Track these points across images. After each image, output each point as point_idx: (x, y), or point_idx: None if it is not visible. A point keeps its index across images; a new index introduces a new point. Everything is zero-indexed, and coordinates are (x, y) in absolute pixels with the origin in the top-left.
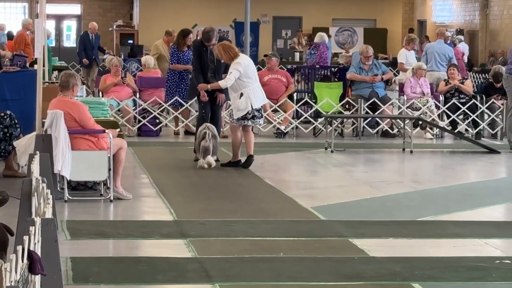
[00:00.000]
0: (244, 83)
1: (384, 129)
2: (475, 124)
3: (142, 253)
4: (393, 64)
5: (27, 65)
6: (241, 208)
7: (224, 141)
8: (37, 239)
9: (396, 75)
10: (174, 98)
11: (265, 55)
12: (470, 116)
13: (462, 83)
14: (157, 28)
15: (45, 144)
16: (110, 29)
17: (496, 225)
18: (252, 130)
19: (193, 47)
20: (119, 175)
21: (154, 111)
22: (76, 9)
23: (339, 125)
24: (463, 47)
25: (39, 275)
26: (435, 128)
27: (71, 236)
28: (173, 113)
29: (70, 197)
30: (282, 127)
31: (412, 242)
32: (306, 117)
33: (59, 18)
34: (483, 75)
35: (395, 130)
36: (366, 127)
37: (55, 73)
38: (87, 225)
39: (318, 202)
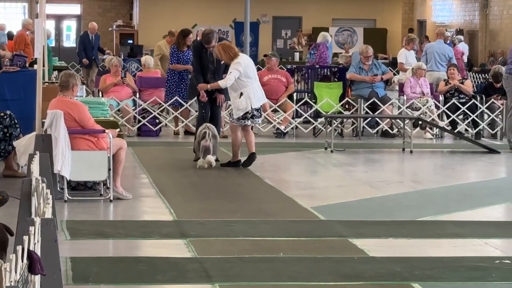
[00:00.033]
0: (244, 82)
1: (384, 129)
2: (475, 124)
3: (142, 253)
4: (393, 64)
5: (27, 65)
6: (241, 208)
7: (224, 141)
8: (37, 239)
9: (396, 75)
10: (174, 98)
11: (265, 55)
12: (470, 116)
13: (462, 83)
14: (156, 28)
15: (45, 144)
16: (110, 29)
17: (496, 225)
18: (252, 129)
19: (193, 48)
20: (119, 175)
21: (154, 111)
22: (76, 9)
23: (339, 125)
24: (463, 47)
25: (39, 275)
26: (435, 128)
27: (71, 236)
28: (173, 113)
29: (70, 197)
30: (282, 127)
31: (412, 242)
32: (306, 117)
33: (59, 18)
34: (483, 75)
35: (395, 130)
36: (366, 127)
37: (55, 73)
38: (87, 225)
39: (318, 202)
